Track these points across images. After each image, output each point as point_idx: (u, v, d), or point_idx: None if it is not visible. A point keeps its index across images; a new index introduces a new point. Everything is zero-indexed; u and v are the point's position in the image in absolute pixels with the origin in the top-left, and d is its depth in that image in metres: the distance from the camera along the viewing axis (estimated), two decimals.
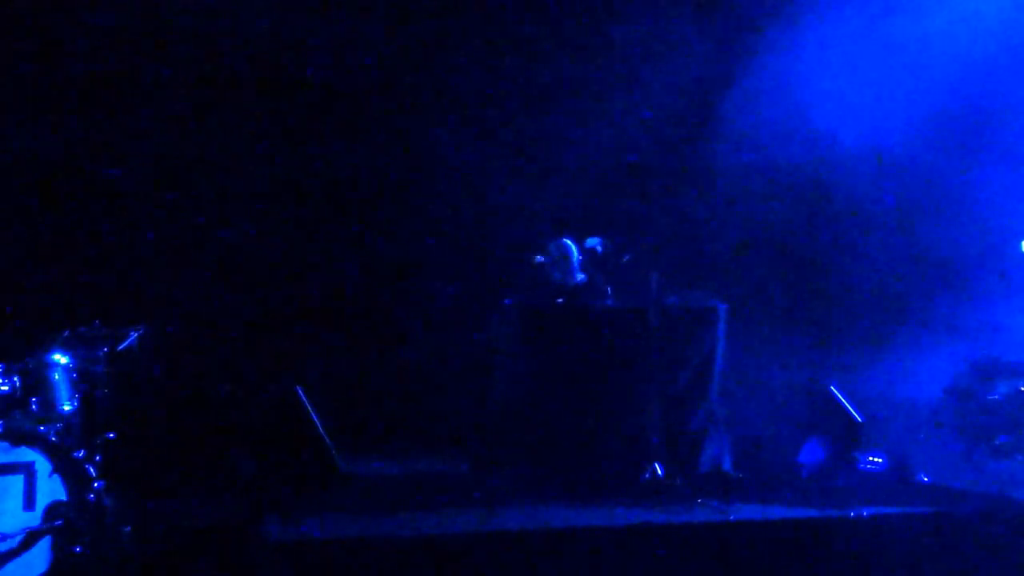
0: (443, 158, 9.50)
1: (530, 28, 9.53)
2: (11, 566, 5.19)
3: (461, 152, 9.52)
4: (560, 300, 7.71)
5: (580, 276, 7.81)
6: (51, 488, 5.35)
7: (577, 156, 9.54)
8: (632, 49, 9.44)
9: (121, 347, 6.31)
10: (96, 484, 5.53)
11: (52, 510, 5.32)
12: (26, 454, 5.35)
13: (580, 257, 7.82)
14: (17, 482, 5.31)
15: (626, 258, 7.73)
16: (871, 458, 7.25)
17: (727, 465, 7.41)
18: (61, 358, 5.85)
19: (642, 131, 9.45)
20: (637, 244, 7.94)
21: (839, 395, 7.33)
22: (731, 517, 6.38)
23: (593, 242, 7.76)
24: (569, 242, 7.85)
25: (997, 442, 7.81)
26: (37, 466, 5.35)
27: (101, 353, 6.22)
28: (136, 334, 6.37)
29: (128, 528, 5.60)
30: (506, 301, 7.75)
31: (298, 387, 6.86)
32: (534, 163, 9.65)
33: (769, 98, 9.16)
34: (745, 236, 9.50)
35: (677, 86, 9.28)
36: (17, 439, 5.37)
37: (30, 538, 5.25)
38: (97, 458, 5.79)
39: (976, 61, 8.88)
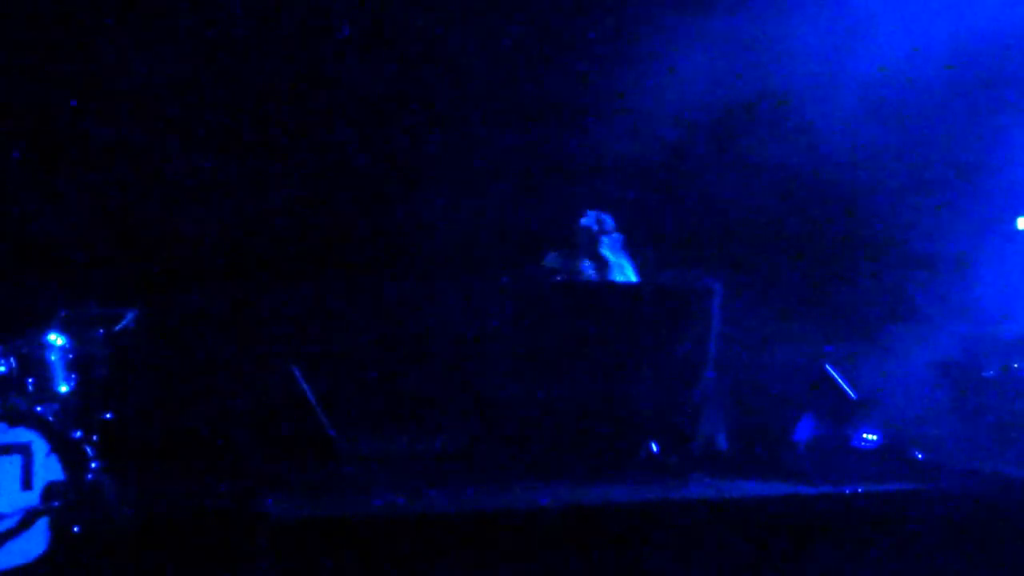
0: (444, 137, 9.49)
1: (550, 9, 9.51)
2: (9, 546, 5.22)
3: (461, 132, 9.51)
4: (558, 278, 7.72)
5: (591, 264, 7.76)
6: (48, 468, 5.36)
7: (581, 137, 9.53)
8: (649, 38, 9.39)
9: (117, 327, 6.32)
10: (93, 464, 5.55)
11: (50, 490, 5.33)
12: (23, 434, 5.36)
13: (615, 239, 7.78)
14: (14, 462, 5.32)
15: (621, 236, 7.74)
16: (865, 435, 7.27)
17: (722, 442, 7.44)
18: (57, 339, 5.85)
19: (644, 114, 9.42)
20: (633, 222, 7.95)
21: (833, 372, 7.35)
22: (726, 494, 6.41)
23: (589, 220, 7.76)
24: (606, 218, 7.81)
25: (991, 418, 7.84)
26: (34, 446, 5.36)
27: (98, 334, 6.22)
28: (132, 314, 6.37)
29: (126, 508, 5.62)
30: (503, 278, 7.75)
31: (295, 367, 6.88)
32: (533, 141, 9.64)
33: (769, 84, 9.15)
34: (741, 214, 9.50)
35: (681, 72, 9.25)
36: (14, 419, 5.38)
37: (28, 518, 5.27)
38: (94, 438, 5.81)
39: (971, 48, 8.89)
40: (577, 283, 7.68)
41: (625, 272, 7.79)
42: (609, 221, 7.78)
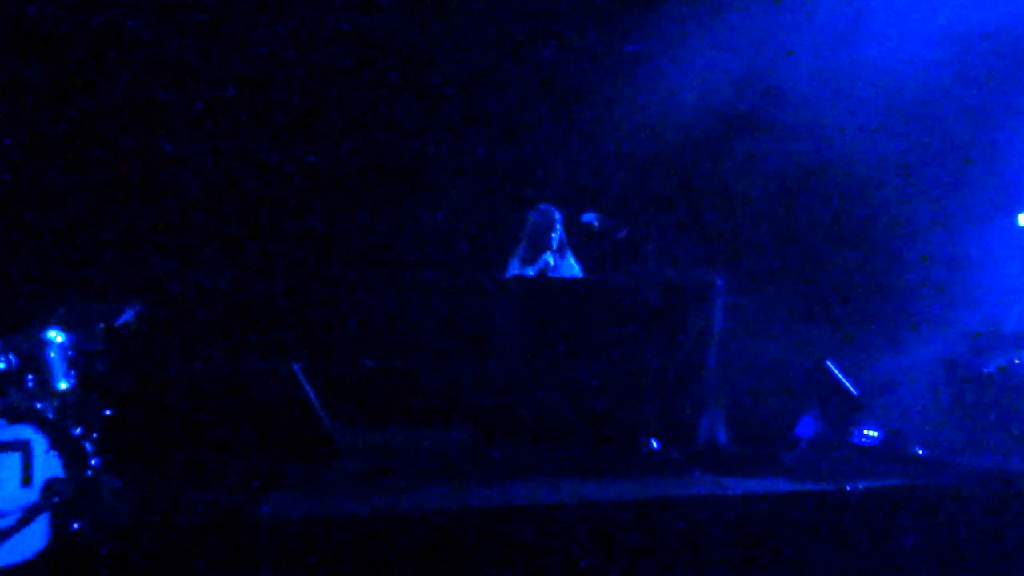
0: (445, 133, 9.48)
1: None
2: (9, 543, 5.20)
3: (460, 130, 9.50)
4: (556, 274, 7.72)
5: (550, 257, 7.74)
6: (48, 465, 5.34)
7: (581, 134, 9.52)
8: (653, 38, 9.37)
9: (118, 323, 6.30)
10: (93, 461, 5.53)
11: (50, 487, 5.32)
12: (23, 431, 5.34)
13: (561, 232, 7.80)
14: (14, 459, 5.30)
15: (623, 233, 7.72)
16: (866, 431, 7.27)
17: (723, 439, 7.43)
18: (57, 335, 5.83)
19: (647, 112, 9.41)
20: (634, 219, 7.93)
21: (835, 369, 7.34)
22: (727, 491, 6.40)
23: (589, 217, 7.74)
24: (553, 210, 7.83)
25: (992, 415, 7.84)
26: (34, 443, 5.33)
27: (98, 329, 6.20)
28: (133, 310, 6.35)
29: (126, 505, 5.61)
30: (505, 274, 7.76)
31: (295, 364, 6.87)
32: (534, 138, 9.63)
33: (771, 83, 9.15)
34: (743, 212, 9.50)
35: (685, 70, 9.23)
36: (13, 417, 5.36)
37: (28, 515, 5.25)
38: (94, 435, 5.79)
39: (972, 45, 8.89)
40: (578, 280, 7.68)
41: (572, 266, 7.80)
42: (555, 214, 7.79)
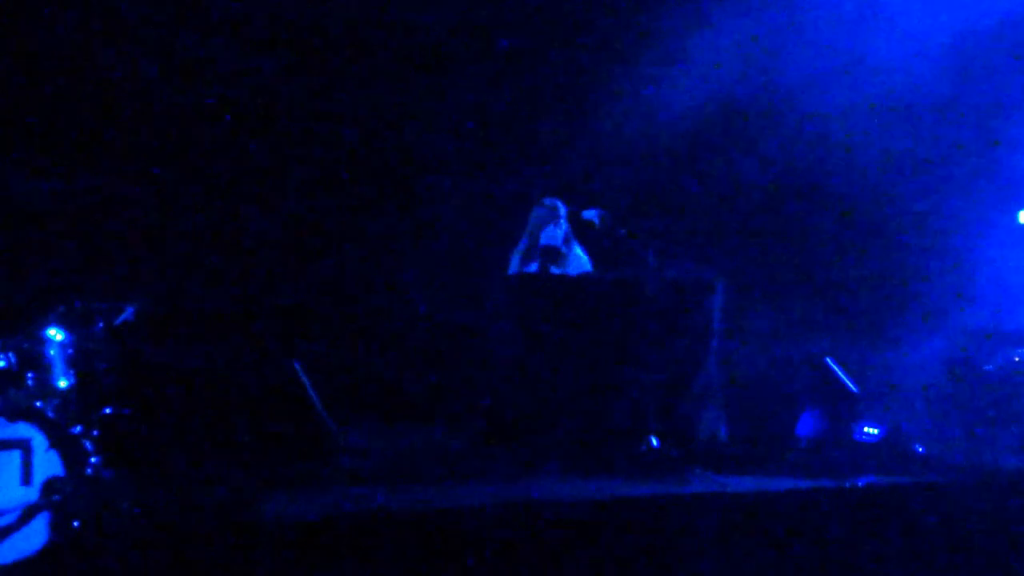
0: (446, 131, 9.48)
1: None
2: (9, 541, 5.20)
3: (460, 129, 9.50)
4: (558, 271, 7.71)
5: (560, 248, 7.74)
6: (48, 463, 5.34)
7: (583, 131, 9.53)
8: (654, 36, 9.37)
9: (118, 322, 6.30)
10: (94, 459, 5.54)
11: (49, 485, 5.32)
12: (23, 430, 5.34)
13: (566, 226, 7.80)
14: (14, 457, 5.31)
15: (624, 231, 7.71)
16: (867, 429, 7.27)
17: (723, 437, 7.43)
18: (57, 334, 5.84)
19: (647, 109, 9.41)
20: (636, 216, 7.93)
21: (835, 366, 7.34)
22: (727, 489, 6.40)
23: (591, 214, 7.73)
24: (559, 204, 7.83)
25: (992, 412, 7.83)
26: (34, 442, 5.34)
27: (98, 328, 6.21)
28: (132, 309, 6.36)
29: (126, 503, 5.61)
30: (508, 270, 7.76)
31: (296, 362, 6.87)
32: (535, 136, 9.63)
33: (771, 81, 9.15)
34: (743, 210, 9.50)
35: (685, 67, 9.23)
36: (13, 415, 5.37)
37: (27, 513, 5.25)
38: (94, 433, 5.79)
39: (972, 42, 8.90)
40: (579, 278, 7.68)
41: (579, 257, 7.79)
42: (561, 208, 7.79)
